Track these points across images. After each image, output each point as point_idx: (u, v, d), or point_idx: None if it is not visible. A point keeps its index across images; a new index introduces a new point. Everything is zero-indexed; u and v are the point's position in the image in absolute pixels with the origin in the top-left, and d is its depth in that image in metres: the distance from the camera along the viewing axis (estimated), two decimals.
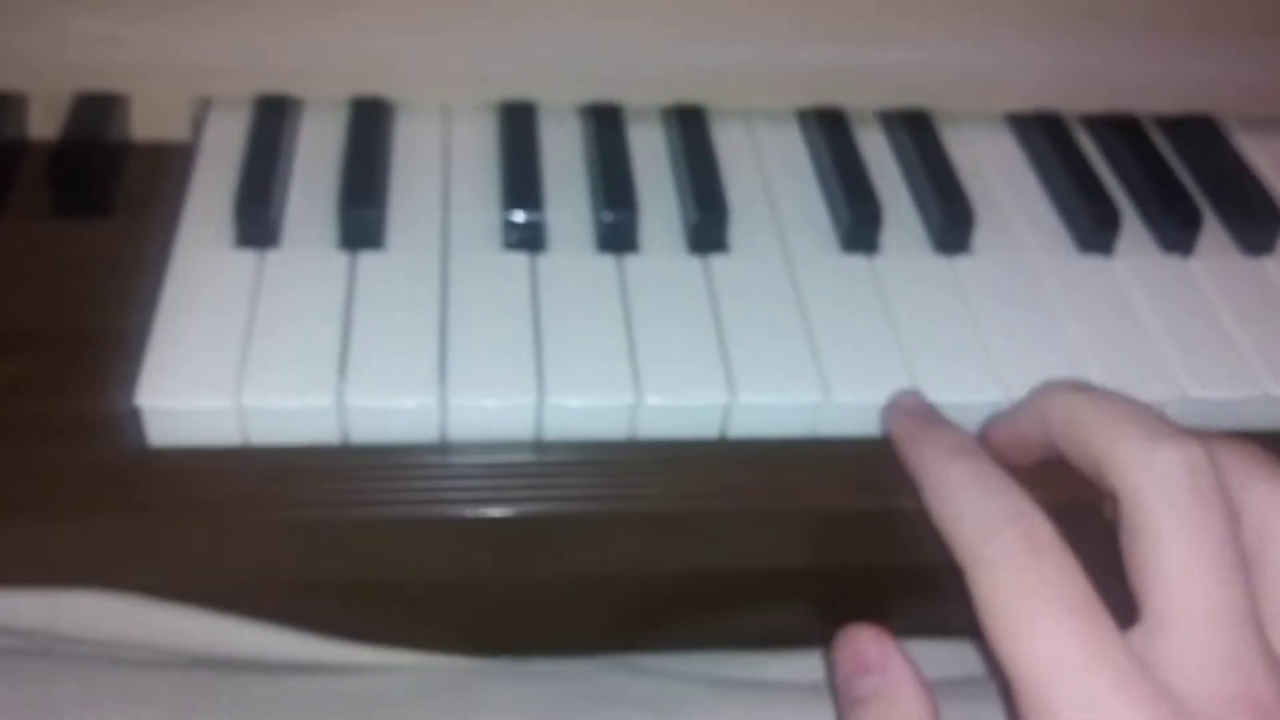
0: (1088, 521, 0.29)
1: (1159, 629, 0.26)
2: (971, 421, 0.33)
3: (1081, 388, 0.31)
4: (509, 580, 0.34)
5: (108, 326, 0.33)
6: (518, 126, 0.41)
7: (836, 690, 0.31)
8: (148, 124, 0.39)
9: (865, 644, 0.30)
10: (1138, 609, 0.27)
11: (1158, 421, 0.29)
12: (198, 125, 0.40)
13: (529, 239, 0.37)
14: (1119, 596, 0.28)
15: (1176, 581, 0.26)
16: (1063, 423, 0.30)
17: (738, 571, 0.35)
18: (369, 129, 0.39)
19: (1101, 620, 0.26)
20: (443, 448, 0.32)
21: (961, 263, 0.38)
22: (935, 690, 0.30)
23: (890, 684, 0.29)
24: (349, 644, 0.37)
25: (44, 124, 0.39)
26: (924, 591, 0.30)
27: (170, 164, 0.38)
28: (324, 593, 0.35)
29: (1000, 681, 0.27)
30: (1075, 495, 0.30)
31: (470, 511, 0.31)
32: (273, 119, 0.40)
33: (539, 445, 0.32)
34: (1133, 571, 0.27)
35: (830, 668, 0.31)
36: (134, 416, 0.31)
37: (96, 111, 0.39)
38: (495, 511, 0.31)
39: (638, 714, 0.34)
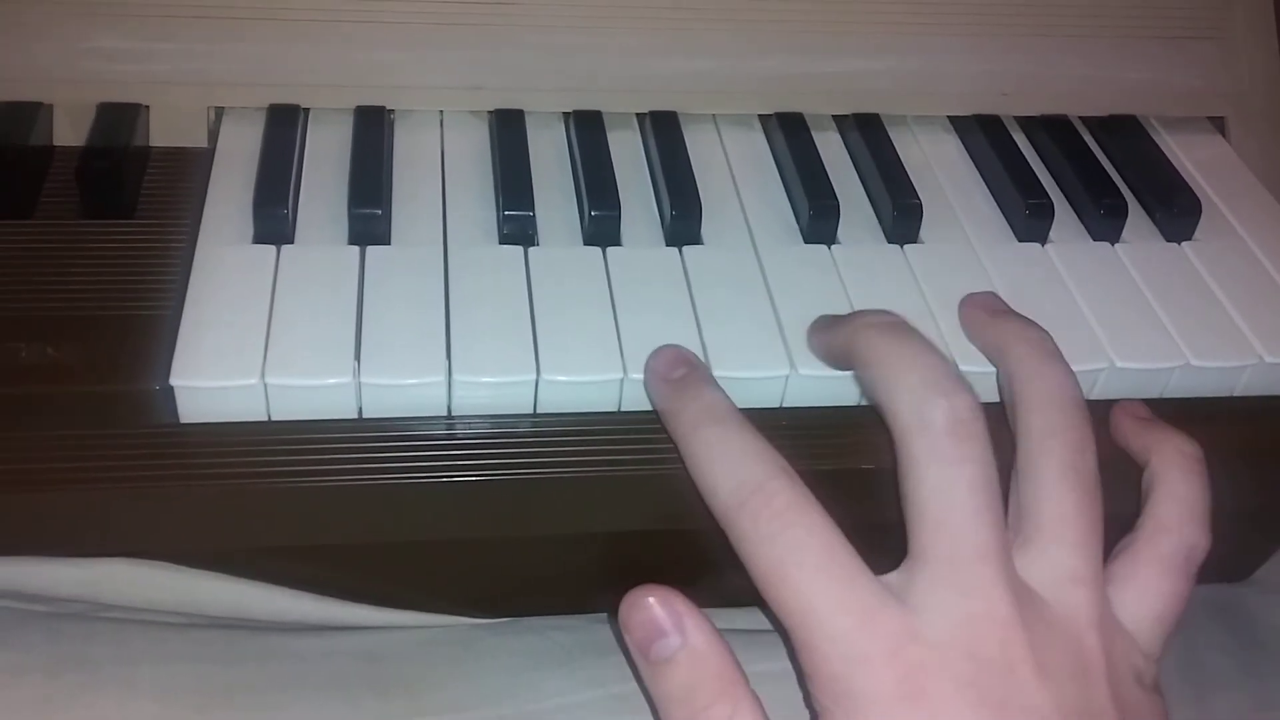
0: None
1: (917, 563, 0.28)
2: None
3: (884, 325, 0.31)
4: (507, 542, 0.36)
5: (140, 315, 0.34)
6: (509, 132, 0.42)
7: (633, 657, 0.29)
8: (166, 132, 0.41)
9: (653, 608, 0.28)
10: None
11: (937, 371, 0.30)
12: (213, 133, 0.41)
13: (522, 234, 0.39)
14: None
15: (933, 524, 0.28)
16: (861, 359, 0.32)
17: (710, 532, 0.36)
18: (373, 135, 0.41)
19: (844, 566, 0.28)
20: (449, 421, 0.34)
21: (911, 251, 0.40)
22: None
23: (692, 642, 0.28)
24: (360, 606, 0.38)
25: (69, 132, 0.40)
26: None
27: (188, 168, 0.40)
28: (338, 558, 0.36)
29: (780, 629, 0.29)
30: None
31: (474, 476, 0.33)
32: (283, 127, 0.41)
33: (535, 417, 0.34)
34: (902, 504, 0.29)
35: (621, 636, 0.29)
36: (167, 395, 0.33)
37: (118, 120, 0.40)
38: (496, 476, 0.33)
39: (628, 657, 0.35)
